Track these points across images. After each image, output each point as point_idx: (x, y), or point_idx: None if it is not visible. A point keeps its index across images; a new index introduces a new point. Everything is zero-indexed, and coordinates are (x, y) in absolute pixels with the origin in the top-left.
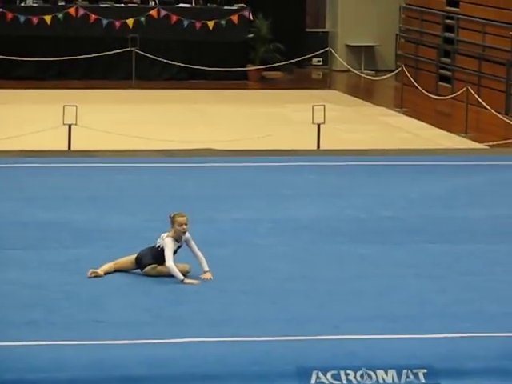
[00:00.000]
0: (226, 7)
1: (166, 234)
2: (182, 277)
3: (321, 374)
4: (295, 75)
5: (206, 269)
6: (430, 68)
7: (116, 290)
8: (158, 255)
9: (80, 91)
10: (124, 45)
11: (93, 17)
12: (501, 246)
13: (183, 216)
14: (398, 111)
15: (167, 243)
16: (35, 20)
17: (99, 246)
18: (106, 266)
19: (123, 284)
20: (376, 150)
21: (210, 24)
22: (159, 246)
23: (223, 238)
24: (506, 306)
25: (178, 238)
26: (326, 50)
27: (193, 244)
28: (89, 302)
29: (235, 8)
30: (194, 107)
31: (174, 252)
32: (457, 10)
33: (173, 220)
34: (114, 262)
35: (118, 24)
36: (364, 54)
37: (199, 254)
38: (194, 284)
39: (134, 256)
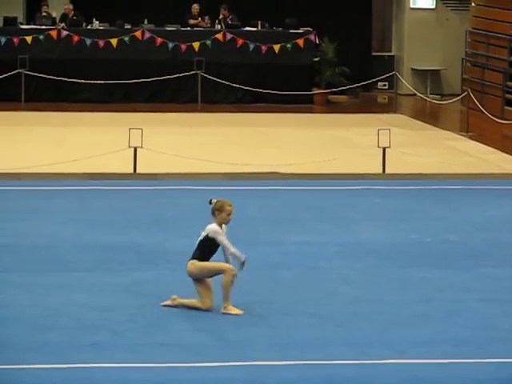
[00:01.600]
0: (291, 31)
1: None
2: (243, 257)
3: None
4: (361, 99)
5: (242, 259)
6: (495, 92)
7: (180, 312)
8: (204, 247)
9: (146, 114)
10: (190, 68)
11: (159, 40)
12: None
13: (231, 205)
14: (464, 135)
15: (216, 231)
16: (101, 43)
17: (164, 269)
18: (186, 301)
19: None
20: (441, 174)
21: (276, 47)
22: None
23: (288, 260)
24: None
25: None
26: (391, 73)
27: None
28: (153, 325)
29: (301, 32)
30: (260, 130)
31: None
32: None
33: (221, 208)
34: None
35: (183, 47)
36: (430, 78)
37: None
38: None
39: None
